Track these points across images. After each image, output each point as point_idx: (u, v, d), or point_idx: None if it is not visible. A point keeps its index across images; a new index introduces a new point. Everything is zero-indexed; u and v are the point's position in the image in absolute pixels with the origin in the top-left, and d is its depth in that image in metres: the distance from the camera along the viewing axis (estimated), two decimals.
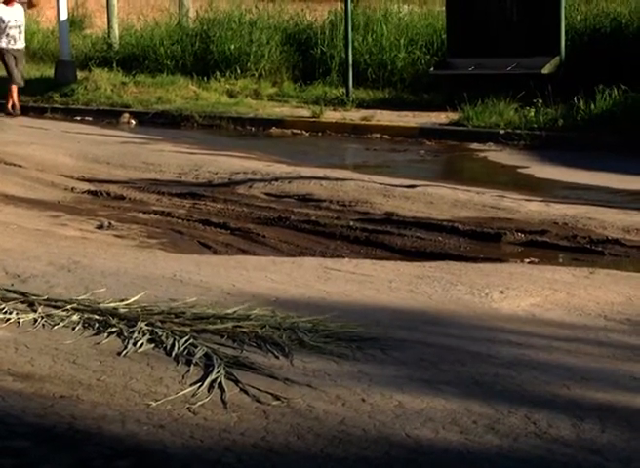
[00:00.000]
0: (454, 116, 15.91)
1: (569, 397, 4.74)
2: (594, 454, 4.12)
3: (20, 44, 14.60)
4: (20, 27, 14.57)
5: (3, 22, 14.26)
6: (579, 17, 17.42)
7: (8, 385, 4.84)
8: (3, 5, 14.63)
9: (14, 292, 6.43)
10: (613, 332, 5.81)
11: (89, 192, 11.01)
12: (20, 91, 22.04)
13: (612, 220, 9.06)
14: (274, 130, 17.22)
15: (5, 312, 5.99)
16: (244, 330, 5.61)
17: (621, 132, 13.77)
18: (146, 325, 5.67)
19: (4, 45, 14.48)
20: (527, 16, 16.00)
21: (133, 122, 18.10)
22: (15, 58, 14.54)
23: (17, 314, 5.96)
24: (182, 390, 4.79)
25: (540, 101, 15.03)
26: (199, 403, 4.64)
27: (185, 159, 13.28)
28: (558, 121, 14.65)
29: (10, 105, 14.79)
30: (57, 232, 8.93)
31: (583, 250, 8.16)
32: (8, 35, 14.37)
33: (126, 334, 5.56)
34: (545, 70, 15.73)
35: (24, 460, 4.03)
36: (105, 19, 26.86)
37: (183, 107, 18.82)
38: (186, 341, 5.41)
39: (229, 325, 5.67)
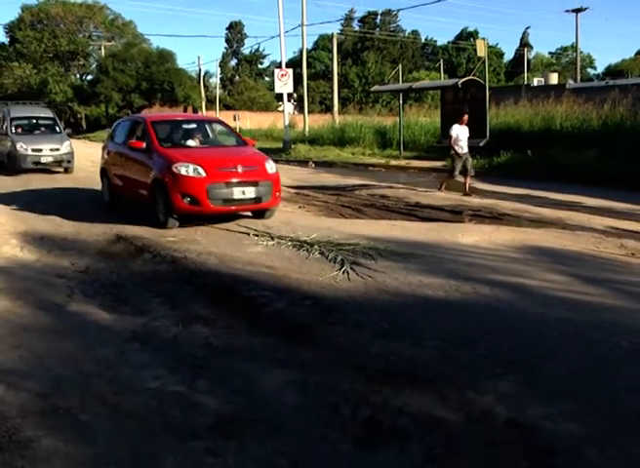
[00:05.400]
0: (444, 163, 15.45)
1: (488, 278, 4.55)
2: (499, 301, 3.98)
3: (466, 149, 10.64)
4: (467, 139, 10.71)
5: (459, 137, 10.57)
6: (494, 122, 16.71)
7: (263, 271, 4.89)
8: (457, 125, 10.75)
9: (265, 232, 6.50)
10: (507, 251, 5.56)
11: (295, 193, 11.00)
12: (265, 150, 22.31)
13: (506, 205, 8.65)
14: (370, 168, 16.82)
15: (262, 240, 6.06)
16: (357, 249, 5.54)
17: (511, 169, 13.24)
18: (317, 246, 5.65)
19: (460, 151, 10.49)
20: (473, 121, 15.37)
21: (313, 165, 18.01)
22: (465, 158, 10.61)
23: (266, 242, 6.02)
24: (332, 273, 4.76)
25: (479, 156, 14.54)
26: (338, 278, 4.61)
27: (333, 179, 13.18)
28: (485, 165, 14.13)
29: (467, 189, 10.38)
30: (281, 209, 8.93)
31: (495, 218, 7.82)
32: (458, 144, 10.46)
33: (309, 250, 5.56)
34: (481, 144, 15.07)
35: (268, 299, 4.07)
36: (302, 124, 27.10)
37: (334, 159, 18.59)
38: (334, 253, 5.37)
39: (351, 247, 5.60)
